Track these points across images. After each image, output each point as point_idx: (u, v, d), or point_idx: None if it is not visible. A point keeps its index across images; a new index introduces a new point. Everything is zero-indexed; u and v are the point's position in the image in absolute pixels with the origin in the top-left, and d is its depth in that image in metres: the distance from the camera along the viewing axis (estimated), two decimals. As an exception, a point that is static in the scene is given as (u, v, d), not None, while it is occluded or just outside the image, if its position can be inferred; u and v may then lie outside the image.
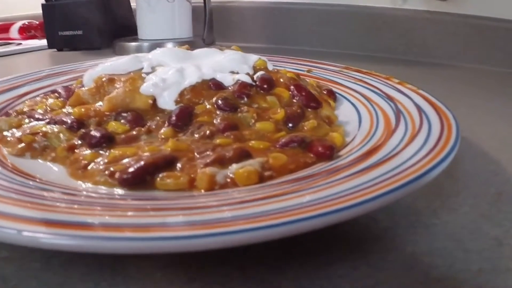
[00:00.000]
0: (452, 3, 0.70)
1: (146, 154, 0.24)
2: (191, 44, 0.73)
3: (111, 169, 0.23)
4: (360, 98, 0.36)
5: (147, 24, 0.70)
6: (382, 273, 0.18)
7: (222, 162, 0.24)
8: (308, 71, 0.45)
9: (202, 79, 0.32)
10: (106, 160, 0.24)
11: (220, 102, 0.30)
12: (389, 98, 0.34)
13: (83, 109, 0.30)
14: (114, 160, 0.24)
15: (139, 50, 0.70)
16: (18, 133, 0.29)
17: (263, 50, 0.66)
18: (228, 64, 0.35)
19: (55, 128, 0.28)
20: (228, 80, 0.32)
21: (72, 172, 0.24)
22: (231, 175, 0.22)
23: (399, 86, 0.37)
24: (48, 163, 0.26)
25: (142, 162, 0.23)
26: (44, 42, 0.83)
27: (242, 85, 0.32)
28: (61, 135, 0.28)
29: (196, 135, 0.27)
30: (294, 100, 0.33)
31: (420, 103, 0.31)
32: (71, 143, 0.27)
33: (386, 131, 0.27)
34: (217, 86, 0.32)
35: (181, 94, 0.31)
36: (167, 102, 0.30)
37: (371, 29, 0.75)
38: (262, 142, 0.27)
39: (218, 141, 0.26)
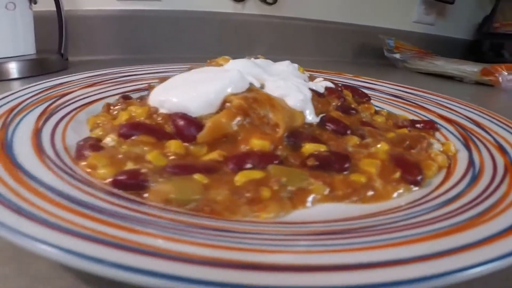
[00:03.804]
0: (276, 8, 0.87)
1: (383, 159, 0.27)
2: (40, 62, 0.55)
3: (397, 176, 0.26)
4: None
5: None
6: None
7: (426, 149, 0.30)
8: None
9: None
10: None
11: (343, 108, 0.34)
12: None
13: (266, 142, 0.27)
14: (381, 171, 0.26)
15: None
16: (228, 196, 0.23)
17: (120, 61, 0.59)
18: (297, 74, 0.37)
19: (281, 169, 0.25)
20: (319, 87, 0.36)
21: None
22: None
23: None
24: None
25: (411, 163, 0.26)
26: None
27: (338, 91, 0.36)
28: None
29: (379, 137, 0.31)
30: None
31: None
32: (324, 178, 0.25)
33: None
34: (319, 94, 0.35)
35: (315, 106, 0.32)
36: (311, 115, 0.31)
37: (221, 32, 0.83)
38: (403, 130, 0.34)
39: (388, 135, 0.32)
